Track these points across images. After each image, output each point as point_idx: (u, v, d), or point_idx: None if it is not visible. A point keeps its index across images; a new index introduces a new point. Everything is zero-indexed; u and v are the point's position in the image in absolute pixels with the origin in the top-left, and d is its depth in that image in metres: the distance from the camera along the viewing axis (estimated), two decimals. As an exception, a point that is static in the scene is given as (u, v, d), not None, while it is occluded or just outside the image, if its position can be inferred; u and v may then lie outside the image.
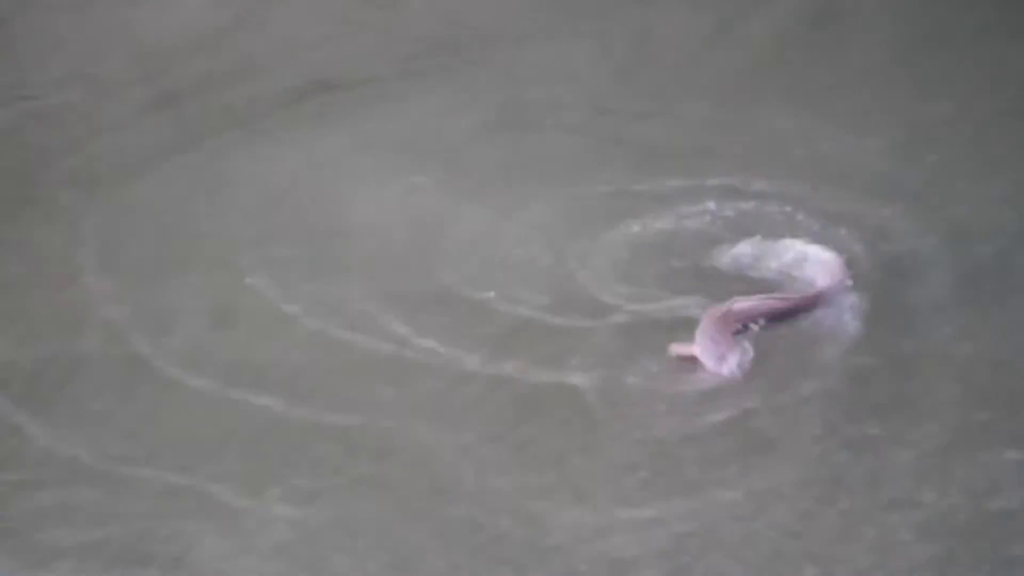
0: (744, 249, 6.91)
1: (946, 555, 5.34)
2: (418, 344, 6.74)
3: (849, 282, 6.60)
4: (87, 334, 7.02)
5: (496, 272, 7.24)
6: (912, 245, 7.05)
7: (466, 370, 6.54)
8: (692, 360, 6.13)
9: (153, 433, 6.36)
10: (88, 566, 5.67)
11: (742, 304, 6.28)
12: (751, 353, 6.18)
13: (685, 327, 6.38)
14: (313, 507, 5.88)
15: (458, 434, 6.16)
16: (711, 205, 7.52)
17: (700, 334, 6.16)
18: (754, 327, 6.27)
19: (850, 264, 6.81)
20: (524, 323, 6.81)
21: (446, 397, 6.41)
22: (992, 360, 6.27)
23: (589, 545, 5.54)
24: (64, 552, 5.74)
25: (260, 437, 6.31)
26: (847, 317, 6.47)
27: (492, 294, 7.02)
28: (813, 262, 6.69)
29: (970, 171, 7.73)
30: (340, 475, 6.04)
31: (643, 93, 8.96)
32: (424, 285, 7.21)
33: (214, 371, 6.71)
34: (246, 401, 6.50)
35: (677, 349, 6.18)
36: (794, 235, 7.03)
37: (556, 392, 6.32)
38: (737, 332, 6.21)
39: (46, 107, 9.29)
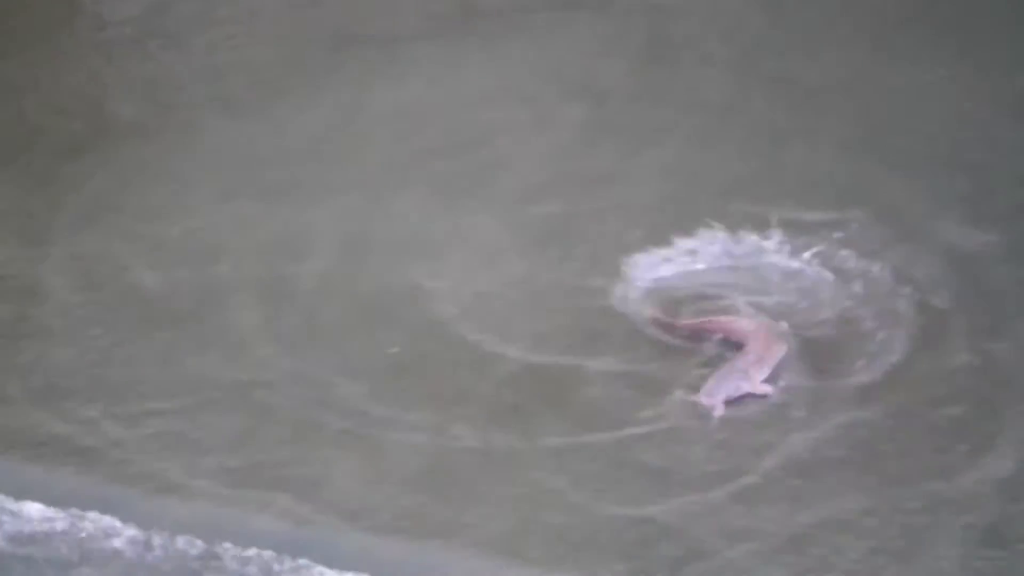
0: None
1: None
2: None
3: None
4: (225, 259, 6.98)
5: (625, 207, 7.15)
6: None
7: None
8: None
9: (290, 359, 6.31)
10: (223, 491, 5.67)
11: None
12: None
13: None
14: (444, 437, 5.83)
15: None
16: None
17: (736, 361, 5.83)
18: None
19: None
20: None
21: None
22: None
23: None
24: (200, 477, 5.74)
25: (398, 365, 6.25)
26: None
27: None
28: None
29: None
30: (480, 405, 5.99)
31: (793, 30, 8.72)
32: (556, 210, 7.17)
33: (352, 297, 6.67)
34: (384, 325, 6.47)
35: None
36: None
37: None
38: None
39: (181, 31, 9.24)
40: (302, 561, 5.35)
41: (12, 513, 5.68)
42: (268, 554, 5.39)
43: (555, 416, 5.89)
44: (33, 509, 5.68)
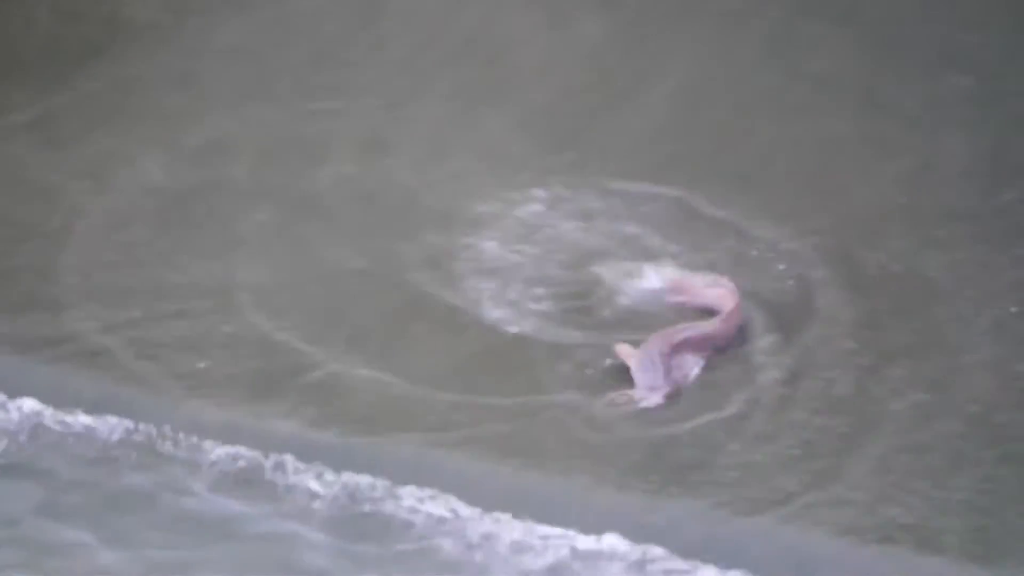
0: None
1: None
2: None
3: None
4: (241, 162, 6.96)
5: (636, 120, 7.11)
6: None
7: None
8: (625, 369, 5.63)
9: (306, 262, 6.31)
10: (240, 394, 5.68)
11: (693, 334, 5.69)
12: (685, 384, 5.61)
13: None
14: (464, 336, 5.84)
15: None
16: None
17: (643, 352, 5.60)
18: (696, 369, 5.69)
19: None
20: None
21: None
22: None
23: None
24: (216, 379, 5.75)
25: (402, 271, 6.26)
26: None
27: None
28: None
29: None
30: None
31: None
32: (571, 118, 7.13)
33: (368, 200, 6.66)
34: (400, 228, 6.48)
35: (620, 351, 5.65)
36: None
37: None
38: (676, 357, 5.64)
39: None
40: (316, 465, 5.35)
41: (20, 409, 5.74)
42: (286, 457, 5.39)
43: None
44: (47, 411, 5.73)
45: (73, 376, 5.81)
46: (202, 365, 5.80)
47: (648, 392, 5.49)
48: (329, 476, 5.36)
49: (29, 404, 5.73)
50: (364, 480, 5.33)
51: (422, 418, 5.49)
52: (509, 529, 5.14)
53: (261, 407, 5.59)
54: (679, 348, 5.63)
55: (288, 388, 5.66)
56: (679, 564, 5.00)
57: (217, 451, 5.50)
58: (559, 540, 5.10)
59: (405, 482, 5.28)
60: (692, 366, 5.62)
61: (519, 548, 5.09)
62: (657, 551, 5.01)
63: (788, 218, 6.37)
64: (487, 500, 5.21)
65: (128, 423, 5.62)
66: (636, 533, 5.05)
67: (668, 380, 5.52)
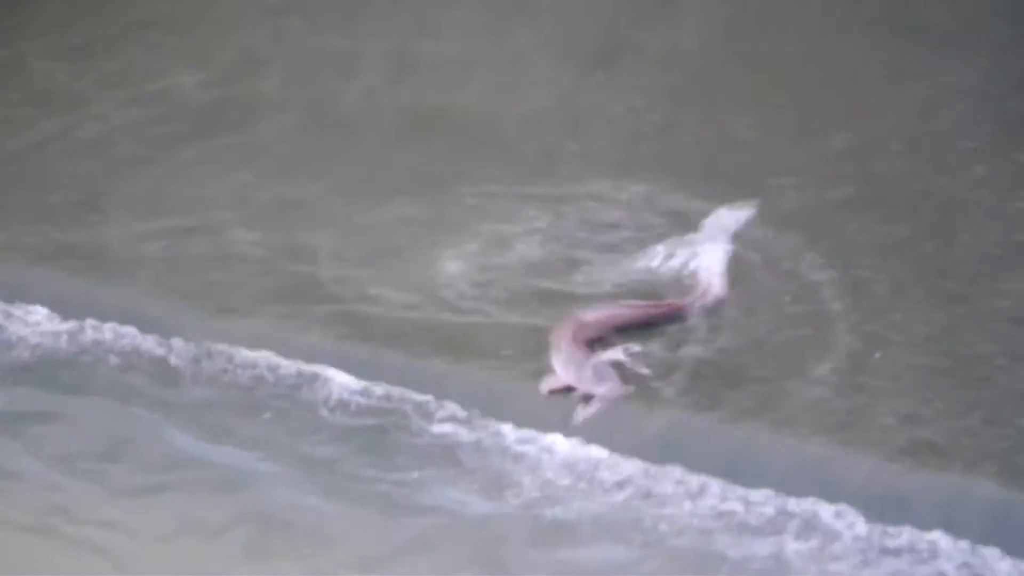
0: None
1: None
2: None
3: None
4: (270, 74, 6.98)
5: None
6: None
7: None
8: (566, 391, 5.29)
9: (332, 175, 6.34)
10: (264, 308, 5.68)
11: (591, 316, 5.44)
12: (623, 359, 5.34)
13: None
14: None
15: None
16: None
17: (561, 362, 5.30)
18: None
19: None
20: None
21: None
22: None
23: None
24: (241, 292, 5.75)
25: (435, 178, 6.28)
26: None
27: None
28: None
29: None
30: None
31: None
32: (601, 35, 7.14)
33: (397, 114, 6.67)
34: (427, 142, 6.49)
35: (548, 386, 5.31)
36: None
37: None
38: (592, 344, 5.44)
39: None
40: (342, 376, 5.40)
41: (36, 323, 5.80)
42: (315, 368, 5.44)
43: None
44: (72, 323, 5.77)
45: (103, 287, 5.86)
46: (228, 276, 5.82)
47: (596, 385, 5.24)
48: (358, 386, 5.39)
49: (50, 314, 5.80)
50: (395, 391, 5.34)
51: (445, 334, 5.53)
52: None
53: (287, 320, 5.60)
54: (586, 335, 5.39)
55: (314, 301, 5.67)
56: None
57: (247, 362, 5.52)
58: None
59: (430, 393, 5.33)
60: (618, 348, 5.33)
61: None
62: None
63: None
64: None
65: (156, 335, 5.67)
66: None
67: (600, 372, 5.25)
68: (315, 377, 5.40)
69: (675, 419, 4.99)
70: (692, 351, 5.24)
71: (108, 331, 5.70)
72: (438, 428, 5.16)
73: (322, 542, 4.84)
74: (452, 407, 5.21)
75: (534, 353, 5.27)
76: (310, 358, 5.45)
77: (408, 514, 4.90)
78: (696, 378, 5.11)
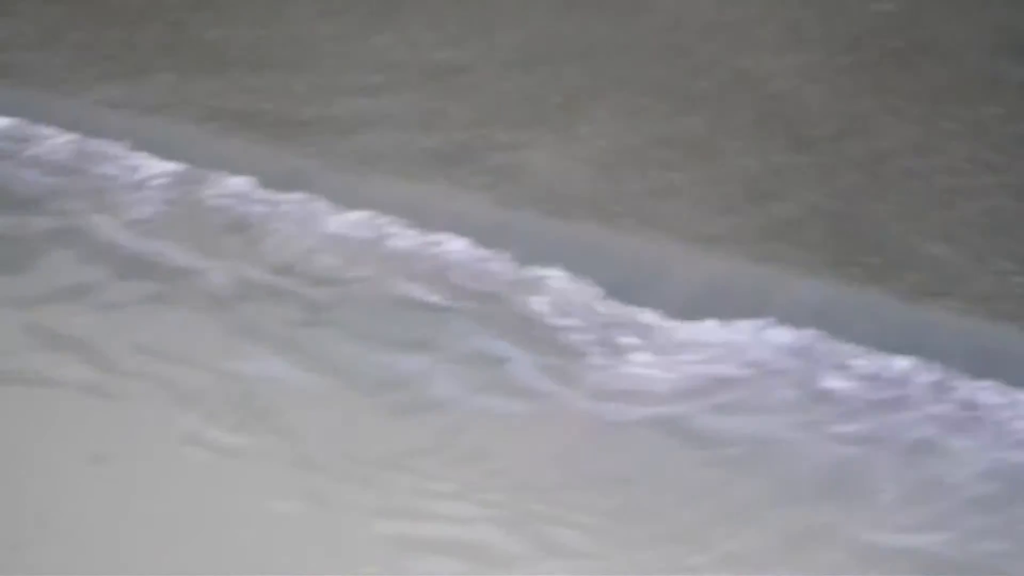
0: None
1: None
2: None
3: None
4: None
5: None
6: None
7: None
8: None
9: (483, 40, 6.24)
10: (415, 172, 5.61)
11: None
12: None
13: None
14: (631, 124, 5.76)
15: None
16: None
17: None
18: None
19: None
20: None
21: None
22: None
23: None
24: (394, 156, 5.71)
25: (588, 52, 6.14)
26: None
27: None
28: None
29: None
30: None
31: None
32: None
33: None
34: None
35: None
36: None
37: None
38: None
39: None
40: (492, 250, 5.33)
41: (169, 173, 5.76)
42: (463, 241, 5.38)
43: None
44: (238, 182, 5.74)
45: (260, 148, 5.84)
46: (374, 139, 5.77)
47: None
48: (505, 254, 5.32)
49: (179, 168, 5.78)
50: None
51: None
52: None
53: (437, 184, 5.57)
54: None
55: (466, 167, 5.62)
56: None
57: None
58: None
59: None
60: None
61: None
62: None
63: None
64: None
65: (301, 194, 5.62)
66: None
67: None
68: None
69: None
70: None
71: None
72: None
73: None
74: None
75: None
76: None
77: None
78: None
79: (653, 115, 5.81)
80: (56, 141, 6.01)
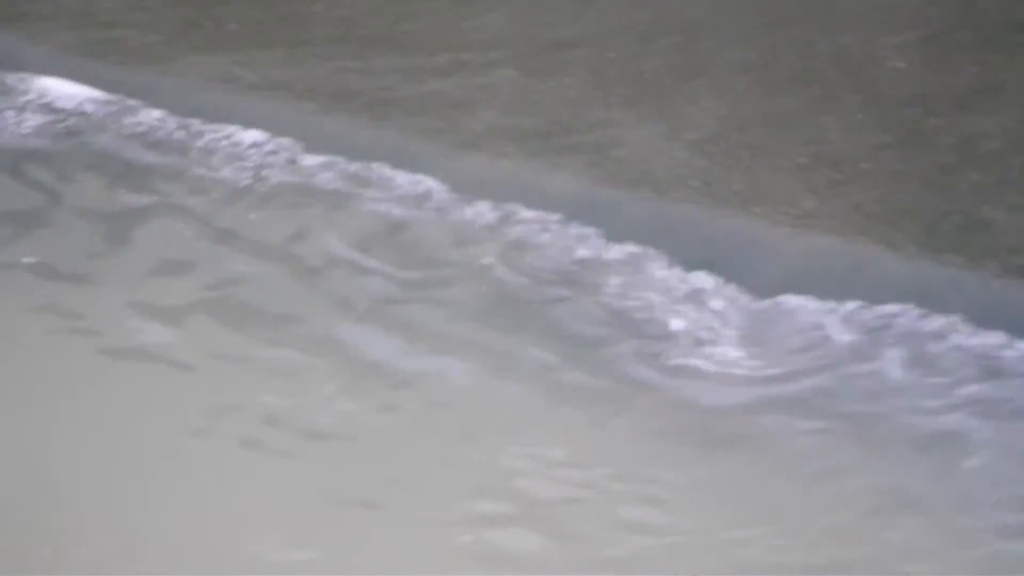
0: None
1: None
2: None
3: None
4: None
5: None
6: None
7: None
8: None
9: (590, 17, 6.22)
10: (511, 150, 5.62)
11: None
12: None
13: None
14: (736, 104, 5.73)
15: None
16: None
17: None
18: None
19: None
20: None
21: None
22: None
23: None
24: (495, 135, 5.72)
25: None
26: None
27: None
28: None
29: None
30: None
31: None
32: None
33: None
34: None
35: None
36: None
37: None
38: None
39: None
40: (588, 229, 5.32)
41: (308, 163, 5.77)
42: (556, 217, 5.37)
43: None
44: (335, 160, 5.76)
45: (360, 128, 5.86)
46: (474, 117, 5.78)
47: None
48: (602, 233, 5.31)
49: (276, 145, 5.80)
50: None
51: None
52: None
53: (534, 162, 5.56)
54: None
55: (563, 145, 5.61)
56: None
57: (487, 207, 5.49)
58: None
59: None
60: None
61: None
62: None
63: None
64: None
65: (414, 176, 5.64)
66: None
67: None
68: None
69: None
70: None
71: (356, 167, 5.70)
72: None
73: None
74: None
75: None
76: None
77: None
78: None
79: (752, 93, 5.77)
80: (157, 116, 6.06)
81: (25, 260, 5.34)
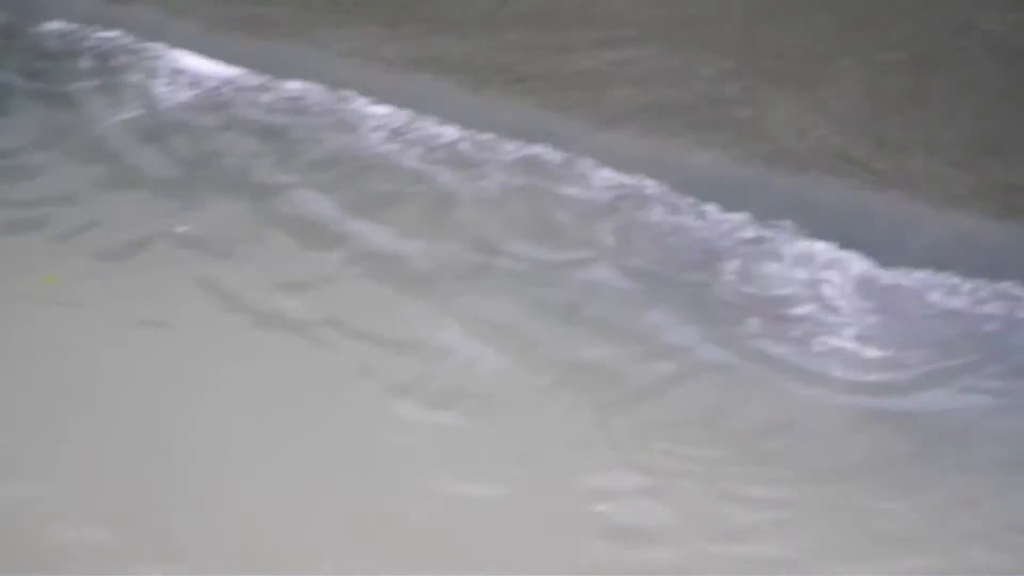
0: None
1: None
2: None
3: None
4: None
5: None
6: None
7: None
8: None
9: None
10: (654, 126, 5.61)
11: None
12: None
13: None
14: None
15: None
16: None
17: None
18: None
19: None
20: None
21: None
22: None
23: None
24: (638, 109, 5.71)
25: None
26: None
27: None
28: None
29: None
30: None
31: None
32: None
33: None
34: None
35: None
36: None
37: None
38: None
39: None
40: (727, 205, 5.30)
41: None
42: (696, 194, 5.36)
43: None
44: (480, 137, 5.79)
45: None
46: (617, 95, 5.77)
47: None
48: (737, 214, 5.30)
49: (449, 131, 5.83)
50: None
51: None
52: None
53: (675, 139, 5.55)
54: None
55: (705, 122, 5.59)
56: None
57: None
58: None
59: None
60: None
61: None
62: None
63: None
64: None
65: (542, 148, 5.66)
66: None
67: None
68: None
69: None
70: None
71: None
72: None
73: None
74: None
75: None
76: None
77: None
78: None
79: (897, 71, 5.72)
80: (299, 90, 6.12)
81: (179, 230, 5.44)
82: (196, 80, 6.23)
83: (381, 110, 5.95)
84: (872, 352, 4.76)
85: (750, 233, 5.20)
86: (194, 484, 4.40)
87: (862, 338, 4.80)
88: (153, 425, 4.57)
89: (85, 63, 6.39)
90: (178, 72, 6.28)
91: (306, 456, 4.46)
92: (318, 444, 4.51)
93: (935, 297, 4.91)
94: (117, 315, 5.02)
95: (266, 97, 6.10)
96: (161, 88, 6.19)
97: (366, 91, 6.03)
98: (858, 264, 5.04)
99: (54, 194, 5.60)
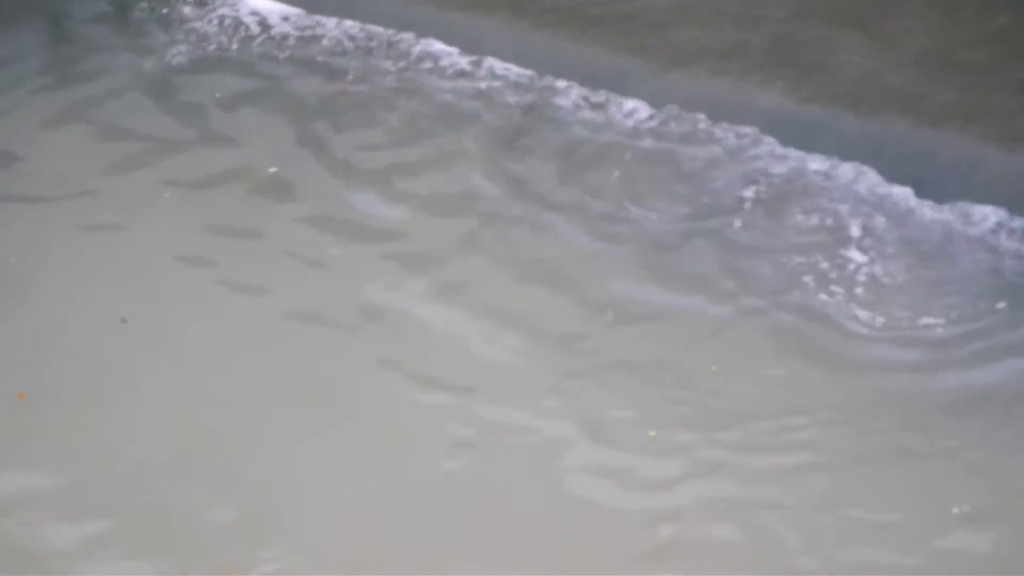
0: None
1: None
2: None
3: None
4: None
5: None
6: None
7: None
8: None
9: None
10: (720, 67, 5.63)
11: None
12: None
13: None
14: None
15: None
16: None
17: None
18: None
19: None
20: None
21: None
22: None
23: None
24: (694, 53, 5.71)
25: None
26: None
27: None
28: None
29: None
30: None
31: None
32: None
33: None
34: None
35: None
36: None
37: None
38: None
39: None
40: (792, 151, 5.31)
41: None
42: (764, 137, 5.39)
43: None
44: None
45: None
46: (683, 36, 5.78)
47: None
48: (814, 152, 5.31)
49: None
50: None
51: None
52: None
53: (740, 81, 5.57)
54: None
55: (772, 62, 5.60)
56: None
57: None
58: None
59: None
60: None
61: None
62: None
63: None
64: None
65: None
66: None
67: None
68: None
69: None
70: None
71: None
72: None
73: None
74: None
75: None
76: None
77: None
78: None
79: (966, 13, 5.69)
80: (360, 31, 6.14)
81: (270, 170, 5.52)
82: (257, 20, 6.24)
83: (445, 49, 5.97)
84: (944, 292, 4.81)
85: (817, 169, 5.24)
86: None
87: (929, 279, 4.83)
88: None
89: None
90: (241, 14, 6.29)
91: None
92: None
93: (1002, 237, 4.94)
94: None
95: (325, 39, 6.12)
96: (223, 26, 6.22)
97: (433, 31, 6.04)
98: (923, 204, 5.06)
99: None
